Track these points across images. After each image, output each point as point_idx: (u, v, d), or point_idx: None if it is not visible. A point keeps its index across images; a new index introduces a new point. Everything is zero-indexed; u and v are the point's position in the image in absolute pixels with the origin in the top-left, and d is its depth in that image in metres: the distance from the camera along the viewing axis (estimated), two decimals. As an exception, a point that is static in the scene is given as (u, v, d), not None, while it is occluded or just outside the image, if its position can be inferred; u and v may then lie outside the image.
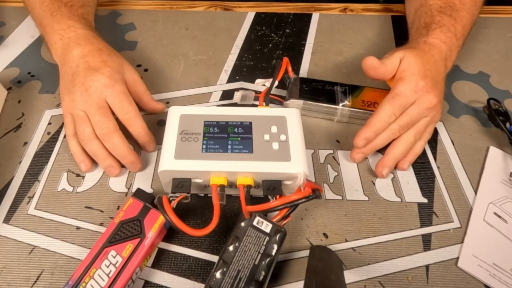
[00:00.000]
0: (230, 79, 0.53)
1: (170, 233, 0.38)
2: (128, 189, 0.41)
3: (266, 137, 0.38)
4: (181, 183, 0.36)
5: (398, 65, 0.41)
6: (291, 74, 0.49)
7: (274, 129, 0.38)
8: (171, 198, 0.35)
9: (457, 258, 0.36)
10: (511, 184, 0.41)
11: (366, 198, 0.40)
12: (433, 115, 0.41)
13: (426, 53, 0.42)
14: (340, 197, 0.41)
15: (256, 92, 0.50)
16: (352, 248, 0.37)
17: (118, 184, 0.41)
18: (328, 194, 0.41)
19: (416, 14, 0.50)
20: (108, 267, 0.33)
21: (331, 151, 0.44)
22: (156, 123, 0.47)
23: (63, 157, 0.44)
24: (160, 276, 0.35)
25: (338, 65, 0.55)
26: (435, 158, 0.44)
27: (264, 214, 0.34)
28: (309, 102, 0.46)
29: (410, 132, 0.41)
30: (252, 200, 0.36)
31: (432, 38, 0.43)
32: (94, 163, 0.42)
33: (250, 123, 0.39)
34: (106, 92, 0.40)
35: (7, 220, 0.39)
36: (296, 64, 0.54)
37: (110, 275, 0.32)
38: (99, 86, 0.40)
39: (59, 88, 0.44)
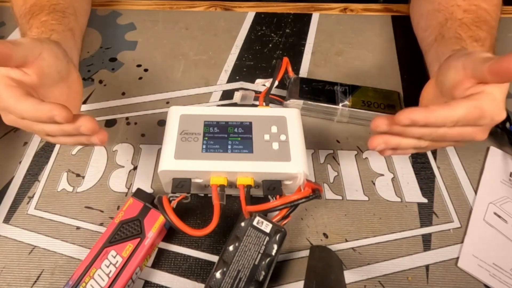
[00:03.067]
0: (230, 79, 0.53)
1: (170, 233, 0.38)
2: (128, 189, 0.41)
3: (266, 137, 0.38)
4: (181, 183, 0.36)
5: None
6: (291, 74, 0.49)
7: (274, 129, 0.38)
8: (171, 198, 0.35)
9: (457, 258, 0.36)
10: (511, 184, 0.41)
11: (366, 198, 0.40)
12: (462, 144, 0.36)
13: None
14: (340, 197, 0.41)
15: (256, 92, 0.50)
16: (352, 248, 0.37)
17: (118, 184, 0.41)
18: (328, 194, 0.41)
19: (445, 27, 0.44)
20: (108, 267, 0.33)
21: (331, 151, 0.44)
22: (156, 123, 0.47)
23: (63, 157, 0.44)
24: (160, 276, 0.35)
25: (338, 65, 0.55)
26: (435, 158, 0.44)
27: (264, 214, 0.34)
28: (309, 102, 0.46)
29: (427, 143, 0.35)
30: (252, 200, 0.36)
31: None
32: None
33: (250, 123, 0.39)
34: None
35: (7, 220, 0.39)
36: (296, 64, 0.54)
37: (110, 275, 0.32)
38: None
39: None
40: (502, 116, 0.32)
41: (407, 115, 0.31)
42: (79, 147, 0.45)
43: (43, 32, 0.41)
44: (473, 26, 0.43)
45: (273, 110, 0.40)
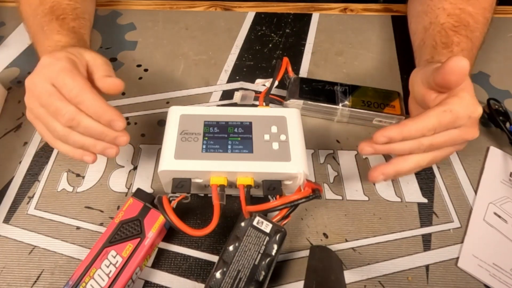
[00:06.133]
0: (230, 79, 0.53)
1: (170, 233, 0.38)
2: (128, 189, 0.41)
3: (266, 137, 0.38)
4: (181, 183, 0.36)
5: None
6: (291, 74, 0.49)
7: (274, 129, 0.38)
8: (171, 198, 0.35)
9: (457, 258, 0.36)
10: (511, 184, 0.41)
11: (366, 198, 0.40)
12: (460, 147, 0.38)
13: None
14: (340, 197, 0.41)
15: (256, 92, 0.50)
16: (352, 248, 0.37)
17: (118, 184, 0.41)
18: (328, 194, 0.41)
19: (427, 32, 0.46)
20: (108, 267, 0.33)
21: (331, 151, 0.44)
22: (156, 123, 0.47)
23: (63, 157, 0.44)
24: (160, 276, 0.35)
25: (338, 65, 0.55)
26: (435, 158, 0.44)
27: (264, 214, 0.34)
28: (309, 102, 0.46)
29: (427, 157, 0.36)
30: (252, 200, 0.36)
31: None
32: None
33: (250, 123, 0.39)
34: (45, 73, 0.35)
35: (7, 220, 0.39)
36: (296, 64, 0.54)
37: (110, 275, 0.32)
38: (39, 70, 0.35)
39: None
40: (478, 110, 0.35)
41: (383, 133, 0.34)
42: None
43: (72, 38, 0.43)
44: (451, 31, 0.44)
45: (273, 110, 0.40)
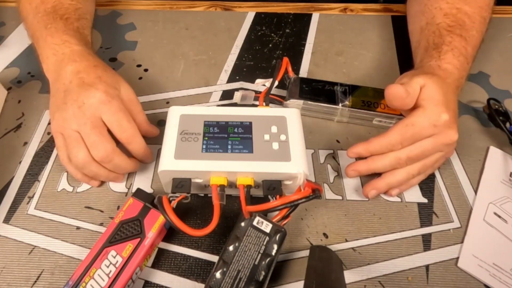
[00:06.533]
0: (230, 79, 0.53)
1: (170, 233, 0.38)
2: (128, 189, 0.41)
3: (266, 137, 0.38)
4: (181, 183, 0.36)
5: (419, 92, 0.37)
6: (291, 74, 0.49)
7: (274, 129, 0.38)
8: (171, 198, 0.35)
9: (457, 258, 0.36)
10: (511, 184, 0.41)
11: (366, 198, 0.40)
12: (447, 151, 0.39)
13: (444, 80, 0.38)
14: (340, 197, 0.41)
15: (256, 92, 0.50)
16: (352, 248, 0.37)
17: (118, 184, 0.41)
18: (328, 194, 0.41)
19: (423, 33, 0.46)
20: (108, 267, 0.32)
21: (331, 151, 0.44)
22: (156, 123, 0.47)
23: (63, 157, 0.44)
24: (160, 276, 0.35)
25: (338, 65, 0.55)
26: (435, 158, 0.44)
27: (264, 214, 0.34)
28: (309, 102, 0.46)
29: (416, 166, 0.38)
30: (252, 200, 0.36)
31: (445, 62, 0.40)
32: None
33: (250, 123, 0.39)
34: (102, 109, 0.37)
35: (7, 220, 0.39)
36: (296, 64, 0.54)
37: (110, 275, 0.32)
38: (94, 102, 0.37)
39: (49, 106, 0.41)
40: (441, 117, 0.36)
41: (352, 149, 0.39)
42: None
43: (79, 40, 0.44)
44: (445, 31, 0.44)
45: (273, 110, 0.40)
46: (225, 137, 0.37)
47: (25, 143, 0.45)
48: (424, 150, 0.37)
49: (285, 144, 0.37)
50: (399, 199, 0.40)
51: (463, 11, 0.45)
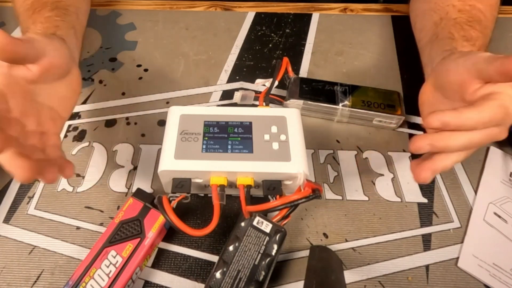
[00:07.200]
0: (230, 79, 0.53)
1: (170, 233, 0.38)
2: (128, 189, 0.41)
3: (266, 137, 0.38)
4: (181, 183, 0.36)
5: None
6: (291, 74, 0.49)
7: (274, 129, 0.38)
8: (171, 198, 0.35)
9: (457, 258, 0.36)
10: (511, 184, 0.41)
11: (366, 198, 0.40)
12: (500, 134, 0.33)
13: None
14: (340, 197, 0.41)
15: (256, 92, 0.50)
16: (352, 248, 0.37)
17: (118, 184, 0.41)
18: (328, 194, 0.41)
19: (439, 26, 0.44)
20: (108, 267, 0.33)
21: (331, 151, 0.44)
22: (156, 123, 0.47)
23: (63, 157, 0.44)
24: (160, 276, 0.35)
25: (338, 65, 0.55)
26: (435, 158, 0.44)
27: (264, 214, 0.34)
28: (309, 102, 0.46)
29: (482, 132, 0.31)
30: (252, 200, 0.36)
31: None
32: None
33: (250, 123, 0.39)
34: None
35: (7, 220, 0.39)
36: (296, 64, 0.54)
37: (110, 275, 0.32)
38: None
39: None
40: None
41: (437, 116, 0.29)
42: (80, 147, 0.45)
43: (47, 27, 0.41)
44: (466, 25, 0.42)
45: (273, 110, 0.40)
46: (225, 137, 0.37)
47: (25, 143, 0.45)
48: (485, 137, 0.31)
49: (285, 144, 0.37)
50: (399, 199, 0.40)
51: (477, 8, 0.45)
